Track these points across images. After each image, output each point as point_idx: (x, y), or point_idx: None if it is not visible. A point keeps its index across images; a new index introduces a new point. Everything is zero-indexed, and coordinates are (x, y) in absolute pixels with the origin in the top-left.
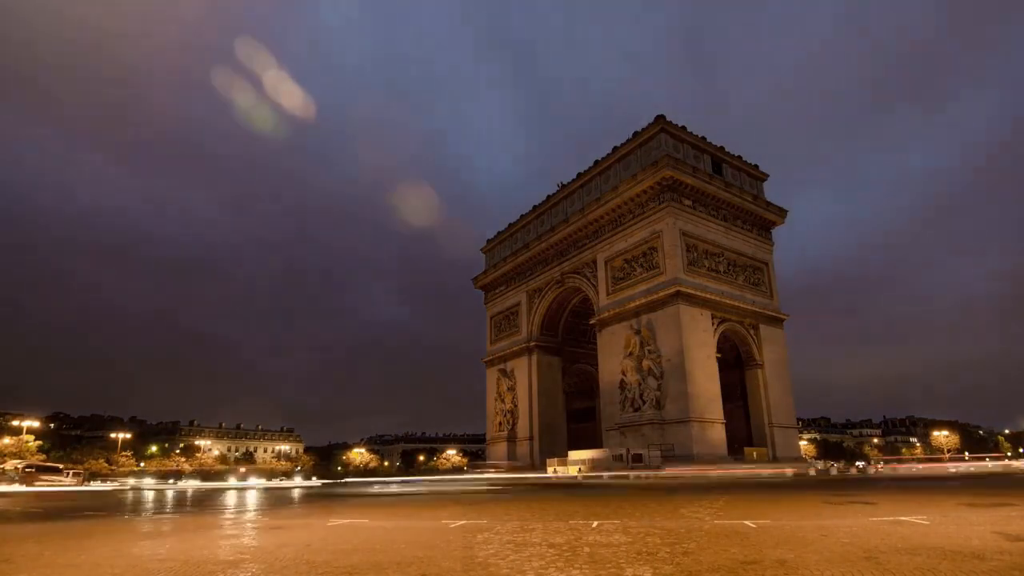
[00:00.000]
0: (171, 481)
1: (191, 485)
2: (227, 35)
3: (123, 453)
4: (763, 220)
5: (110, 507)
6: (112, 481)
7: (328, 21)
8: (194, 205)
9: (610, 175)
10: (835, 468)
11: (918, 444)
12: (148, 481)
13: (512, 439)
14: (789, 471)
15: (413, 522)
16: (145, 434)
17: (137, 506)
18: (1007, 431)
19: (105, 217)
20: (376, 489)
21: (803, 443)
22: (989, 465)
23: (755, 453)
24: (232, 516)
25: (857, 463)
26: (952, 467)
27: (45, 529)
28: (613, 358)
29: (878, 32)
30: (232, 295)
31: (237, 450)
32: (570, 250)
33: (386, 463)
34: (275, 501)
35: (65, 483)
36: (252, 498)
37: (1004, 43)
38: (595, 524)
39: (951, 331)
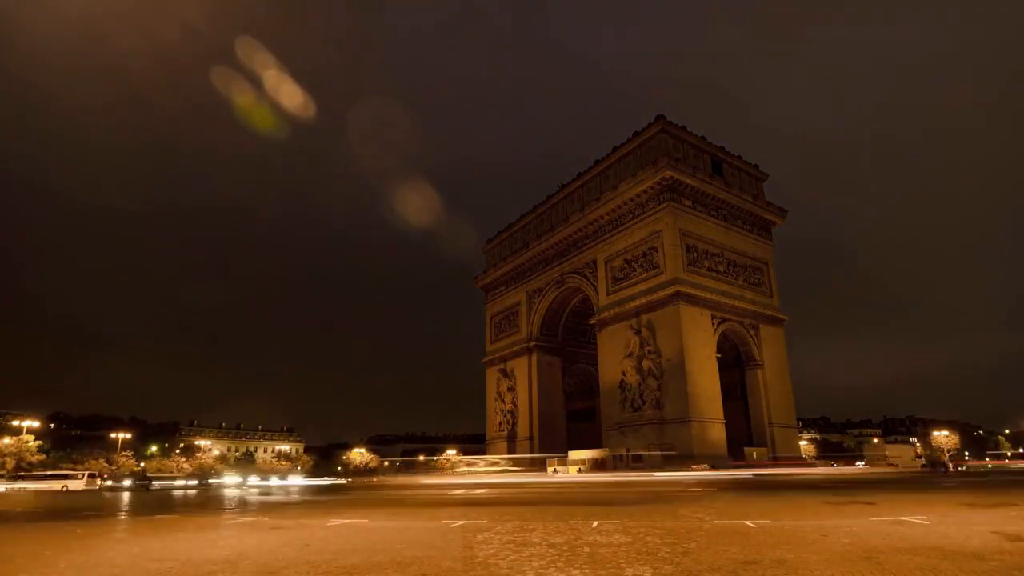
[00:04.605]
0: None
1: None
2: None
3: (123, 453)
4: (763, 220)
5: (111, 507)
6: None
7: None
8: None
9: (610, 175)
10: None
11: (918, 444)
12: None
13: (512, 439)
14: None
15: (413, 522)
16: (145, 434)
17: (138, 506)
18: (1007, 431)
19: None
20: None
21: (803, 443)
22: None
23: (755, 453)
24: (231, 516)
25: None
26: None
27: (45, 529)
28: (613, 358)
29: None
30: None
31: (237, 450)
32: (570, 250)
33: (386, 463)
34: (275, 501)
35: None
36: (253, 498)
37: None
38: (595, 524)
39: (952, 330)
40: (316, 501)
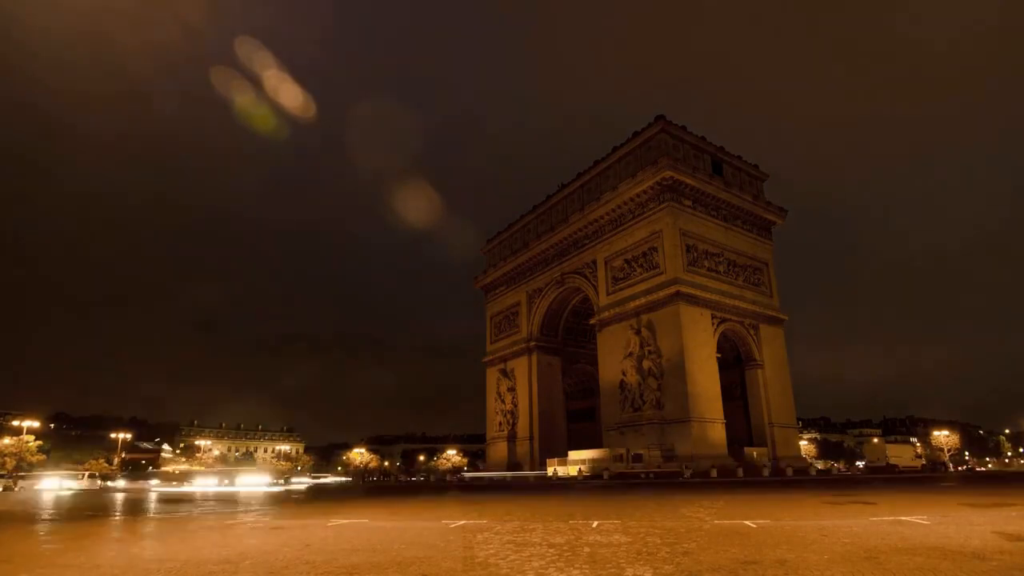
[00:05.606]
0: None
1: None
2: None
3: (123, 454)
4: (763, 220)
5: (110, 507)
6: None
7: None
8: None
9: (610, 175)
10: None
11: (918, 444)
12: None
13: (512, 439)
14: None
15: (413, 522)
16: (145, 434)
17: (137, 506)
18: (1007, 431)
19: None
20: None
21: (803, 443)
22: None
23: (755, 453)
24: (232, 516)
25: None
26: None
27: (45, 529)
28: (613, 358)
29: None
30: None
31: (237, 450)
32: (570, 250)
33: (386, 463)
34: (275, 501)
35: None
36: (252, 498)
37: None
38: (595, 524)
39: (952, 329)
40: (319, 500)
